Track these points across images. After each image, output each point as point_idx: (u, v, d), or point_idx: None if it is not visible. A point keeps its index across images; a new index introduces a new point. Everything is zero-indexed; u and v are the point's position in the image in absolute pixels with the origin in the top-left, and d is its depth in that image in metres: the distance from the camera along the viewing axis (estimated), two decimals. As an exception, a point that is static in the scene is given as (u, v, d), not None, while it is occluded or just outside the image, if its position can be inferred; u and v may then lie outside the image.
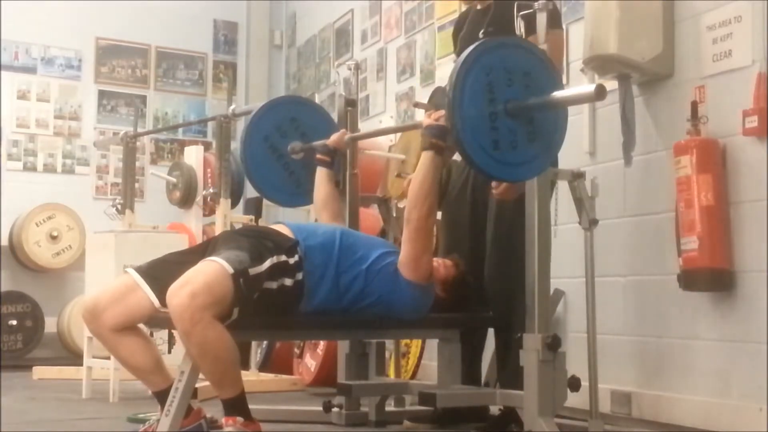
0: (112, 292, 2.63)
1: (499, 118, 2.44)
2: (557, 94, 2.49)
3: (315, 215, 3.18)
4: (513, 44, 2.57)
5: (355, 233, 2.99)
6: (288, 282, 2.62)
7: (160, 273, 2.61)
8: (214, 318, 2.43)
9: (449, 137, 2.58)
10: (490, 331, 3.49)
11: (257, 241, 2.65)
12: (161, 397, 2.62)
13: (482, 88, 2.43)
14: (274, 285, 2.59)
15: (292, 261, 2.64)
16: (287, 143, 3.40)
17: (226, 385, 2.53)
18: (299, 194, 3.44)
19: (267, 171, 3.40)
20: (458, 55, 3.40)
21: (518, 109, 2.46)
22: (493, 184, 2.94)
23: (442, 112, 2.62)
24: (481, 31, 3.19)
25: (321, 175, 3.26)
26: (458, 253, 3.11)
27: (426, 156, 2.74)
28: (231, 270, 2.47)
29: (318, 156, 3.29)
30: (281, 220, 2.98)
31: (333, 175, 3.29)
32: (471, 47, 2.51)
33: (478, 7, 3.30)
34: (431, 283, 2.84)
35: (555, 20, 2.82)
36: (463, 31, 3.37)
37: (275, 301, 2.61)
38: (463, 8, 3.66)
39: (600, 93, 2.35)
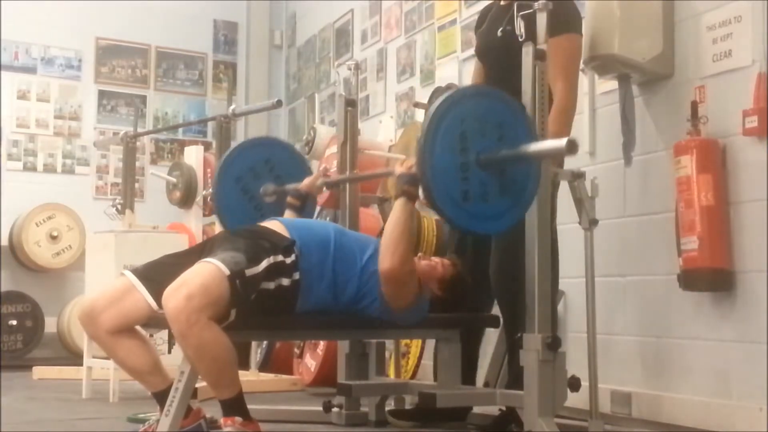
0: (109, 295, 2.63)
1: (471, 168, 2.41)
2: (529, 146, 2.47)
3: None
4: (488, 93, 2.55)
5: (347, 231, 2.98)
6: (285, 282, 2.62)
7: (157, 275, 2.61)
8: (211, 319, 2.43)
9: (420, 187, 2.53)
10: (490, 332, 3.50)
11: (253, 242, 2.64)
12: (160, 397, 2.62)
13: (455, 138, 2.40)
14: (271, 285, 2.59)
15: (288, 261, 2.64)
16: (260, 185, 3.35)
17: (224, 386, 2.53)
18: None
19: (238, 211, 3.31)
20: (477, 50, 3.41)
21: (490, 161, 2.44)
22: None
23: (414, 160, 2.57)
24: (500, 29, 3.18)
25: None
26: (462, 254, 3.11)
27: (398, 203, 2.69)
28: (227, 271, 2.47)
29: (288, 200, 3.23)
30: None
31: None
32: (445, 95, 2.49)
33: (501, 3, 3.28)
34: (421, 299, 2.82)
35: (566, 24, 2.79)
36: (483, 26, 3.36)
37: (273, 302, 2.61)
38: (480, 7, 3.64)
39: (571, 148, 2.33)
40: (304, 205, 3.25)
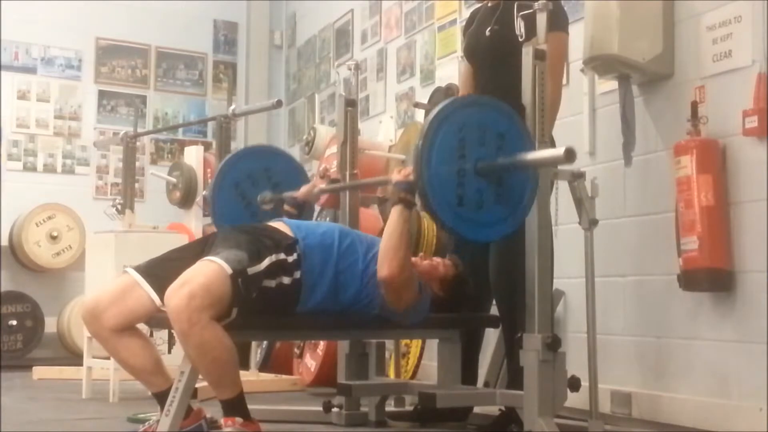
0: (112, 293, 2.63)
1: (468, 175, 2.42)
2: (527, 155, 2.47)
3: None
4: (488, 103, 2.55)
5: (352, 231, 2.98)
6: (286, 280, 2.62)
7: (160, 271, 2.61)
8: (212, 318, 2.43)
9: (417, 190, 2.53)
10: (489, 332, 3.50)
11: (256, 239, 2.64)
12: (161, 397, 2.62)
13: (453, 144, 2.41)
14: (272, 283, 2.60)
15: (290, 259, 2.64)
16: (257, 192, 3.34)
17: (225, 386, 2.53)
18: None
19: (235, 218, 3.28)
20: (465, 51, 3.41)
21: (487, 169, 2.44)
22: None
23: (411, 168, 2.58)
24: (488, 28, 3.19)
25: None
26: (464, 252, 3.11)
27: (395, 211, 2.69)
28: (230, 270, 2.47)
29: (285, 207, 3.24)
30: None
31: None
32: (446, 102, 2.48)
33: (489, 4, 3.30)
34: (421, 299, 2.82)
35: (553, 23, 2.81)
36: (471, 27, 3.37)
37: (273, 300, 2.61)
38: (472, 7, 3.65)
39: (569, 156, 2.33)
40: (301, 213, 3.25)
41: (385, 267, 2.66)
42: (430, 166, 2.38)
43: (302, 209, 3.26)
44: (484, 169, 2.44)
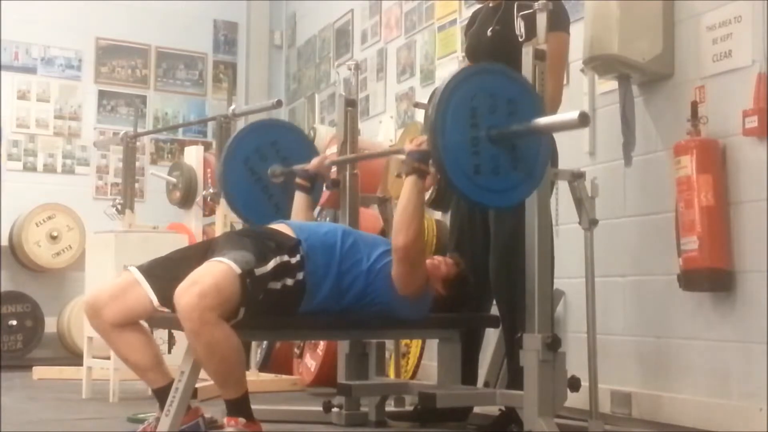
0: (113, 289, 2.65)
1: (482, 143, 2.42)
2: (539, 120, 2.47)
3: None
4: (497, 71, 2.56)
5: (355, 232, 2.98)
6: (289, 282, 2.63)
7: (161, 272, 2.62)
8: (221, 318, 2.43)
9: (432, 161, 2.55)
10: (489, 332, 3.50)
11: (260, 242, 2.65)
12: (161, 394, 2.63)
13: (465, 113, 2.42)
14: (278, 285, 2.60)
15: (294, 260, 2.64)
16: (267, 166, 3.35)
17: (231, 386, 2.54)
18: (278, 219, 3.39)
19: (245, 193, 3.33)
20: (467, 51, 3.42)
21: (500, 136, 2.45)
22: None
23: (424, 137, 2.59)
24: (489, 28, 3.20)
25: (299, 201, 3.22)
26: (464, 252, 3.11)
27: (409, 181, 2.69)
28: (239, 270, 2.48)
29: (297, 180, 3.25)
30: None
31: (311, 201, 3.26)
32: (455, 72, 2.49)
33: (490, 4, 3.30)
34: (426, 292, 2.83)
35: (555, 23, 2.81)
36: (473, 27, 3.37)
37: (278, 301, 2.61)
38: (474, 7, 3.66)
39: (583, 120, 2.33)
40: (313, 185, 3.26)
41: (401, 236, 2.66)
42: (444, 134, 2.38)
43: (314, 181, 3.27)
44: (497, 136, 2.45)
